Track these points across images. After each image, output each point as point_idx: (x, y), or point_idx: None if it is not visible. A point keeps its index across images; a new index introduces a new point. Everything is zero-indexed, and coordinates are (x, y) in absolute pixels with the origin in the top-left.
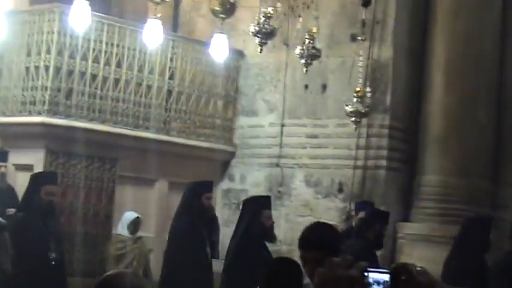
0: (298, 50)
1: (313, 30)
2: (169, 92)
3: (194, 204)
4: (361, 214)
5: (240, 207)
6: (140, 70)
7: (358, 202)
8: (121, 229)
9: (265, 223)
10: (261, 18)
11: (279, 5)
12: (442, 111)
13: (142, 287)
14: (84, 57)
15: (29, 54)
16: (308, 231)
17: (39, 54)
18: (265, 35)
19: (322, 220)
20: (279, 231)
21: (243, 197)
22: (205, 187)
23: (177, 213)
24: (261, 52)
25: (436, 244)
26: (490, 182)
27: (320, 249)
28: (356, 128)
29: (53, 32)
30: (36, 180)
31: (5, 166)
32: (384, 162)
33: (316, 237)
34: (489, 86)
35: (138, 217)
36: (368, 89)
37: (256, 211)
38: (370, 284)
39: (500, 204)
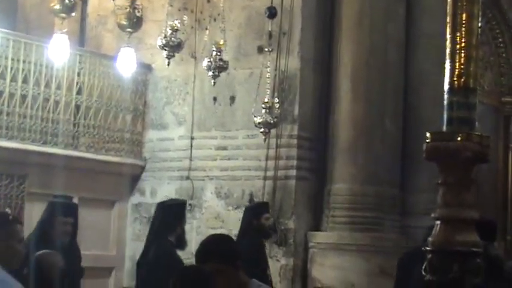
0: (205, 63)
1: (220, 43)
2: (77, 107)
3: (255, 225)
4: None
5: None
6: (47, 86)
7: None
8: None
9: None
10: (167, 31)
11: (185, 18)
12: (349, 120)
13: None
14: None
15: None
16: (203, 244)
17: None
18: (173, 48)
19: (233, 232)
20: (191, 244)
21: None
22: (263, 208)
23: (238, 236)
24: (168, 65)
25: (347, 252)
26: (398, 189)
27: (215, 261)
28: (265, 139)
29: None
30: None
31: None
32: (293, 172)
33: (211, 249)
34: (395, 95)
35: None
36: (276, 100)
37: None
38: None
39: (409, 211)
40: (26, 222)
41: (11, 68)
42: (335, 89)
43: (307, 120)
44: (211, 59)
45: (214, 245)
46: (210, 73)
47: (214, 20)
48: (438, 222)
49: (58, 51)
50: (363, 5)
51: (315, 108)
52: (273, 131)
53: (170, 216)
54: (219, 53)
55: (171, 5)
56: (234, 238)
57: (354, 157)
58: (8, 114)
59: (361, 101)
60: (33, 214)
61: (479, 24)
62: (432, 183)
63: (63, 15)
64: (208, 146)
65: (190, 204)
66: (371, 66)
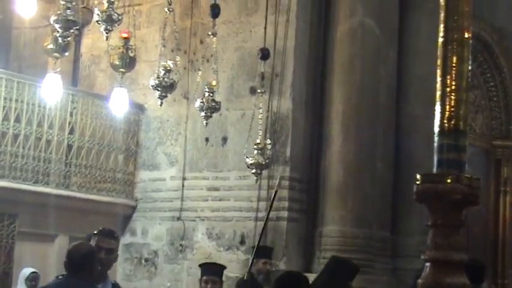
0: (198, 103)
1: (213, 83)
2: (70, 146)
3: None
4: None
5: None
6: (39, 125)
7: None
8: (19, 286)
9: None
10: (160, 72)
11: (178, 58)
12: (340, 162)
13: None
14: None
15: None
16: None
17: None
18: (165, 88)
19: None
20: (182, 285)
21: (145, 251)
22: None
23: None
24: (161, 105)
25: None
26: (389, 232)
27: None
28: (257, 180)
29: None
30: None
31: (270, 263)
32: (285, 214)
33: None
34: (386, 137)
35: (34, 272)
36: (268, 141)
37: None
38: None
39: (400, 253)
40: (16, 262)
41: (3, 107)
42: (326, 131)
43: (299, 162)
44: (204, 100)
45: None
46: (203, 114)
47: (207, 61)
48: (428, 264)
49: (51, 90)
50: (355, 48)
51: (306, 150)
52: (265, 172)
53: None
54: (211, 94)
55: (164, 46)
56: None
57: (345, 199)
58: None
59: (352, 142)
60: (23, 253)
61: (469, 68)
62: (423, 225)
63: (57, 54)
64: (200, 187)
65: (181, 245)
66: (362, 108)
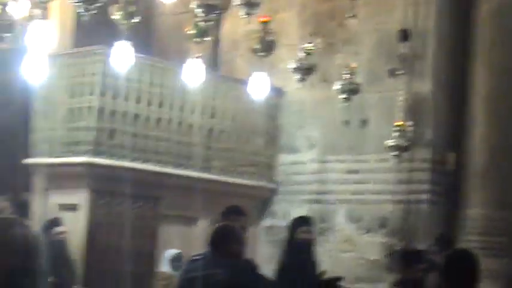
0: (337, 85)
1: (353, 65)
2: (211, 130)
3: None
4: None
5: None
6: (181, 109)
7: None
8: (164, 266)
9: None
10: (300, 55)
11: (318, 41)
12: (483, 144)
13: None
14: (127, 98)
15: (72, 96)
16: None
17: (82, 95)
18: (305, 71)
19: (365, 256)
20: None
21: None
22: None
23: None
24: (300, 89)
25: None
26: None
27: None
28: (397, 163)
29: (96, 74)
30: None
31: None
32: (425, 197)
33: None
34: None
35: (179, 252)
36: (409, 123)
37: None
38: None
39: None
40: (161, 243)
41: (147, 92)
42: (468, 113)
43: (440, 144)
44: (344, 82)
45: None
46: (342, 96)
47: (346, 43)
48: None
49: (192, 75)
50: (499, 27)
51: (447, 132)
52: (405, 155)
53: None
54: (351, 76)
55: (303, 29)
56: None
57: (488, 182)
58: (144, 137)
59: (496, 125)
60: (167, 235)
61: None
62: None
63: (198, 40)
64: (339, 170)
65: (321, 228)
66: (506, 88)
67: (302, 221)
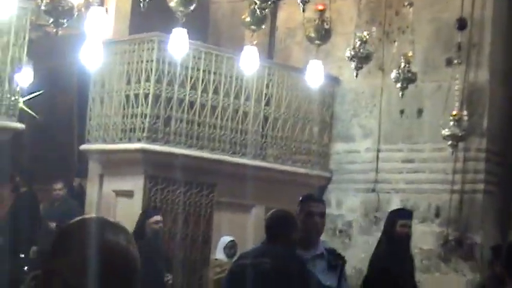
0: (394, 74)
1: (409, 54)
2: (266, 118)
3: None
4: None
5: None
6: (237, 97)
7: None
8: (218, 254)
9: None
10: (356, 43)
11: (374, 29)
12: None
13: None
14: (182, 85)
15: (128, 83)
16: None
17: (138, 82)
18: (361, 59)
19: (419, 245)
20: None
21: (340, 223)
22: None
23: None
24: (356, 77)
25: None
26: None
27: None
28: (453, 152)
29: (151, 60)
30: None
31: None
32: (481, 186)
33: None
34: None
35: (232, 240)
36: (465, 113)
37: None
38: None
39: None
40: (215, 230)
41: (203, 79)
42: None
43: (496, 134)
44: (400, 71)
45: None
46: (398, 85)
47: (403, 32)
48: None
49: (248, 63)
50: None
51: (503, 122)
52: (460, 144)
53: None
54: (407, 65)
55: (360, 18)
56: None
57: None
58: (198, 124)
59: None
60: (221, 222)
61: None
62: None
63: (254, 27)
64: (394, 159)
65: (375, 217)
66: None
67: (402, 214)
